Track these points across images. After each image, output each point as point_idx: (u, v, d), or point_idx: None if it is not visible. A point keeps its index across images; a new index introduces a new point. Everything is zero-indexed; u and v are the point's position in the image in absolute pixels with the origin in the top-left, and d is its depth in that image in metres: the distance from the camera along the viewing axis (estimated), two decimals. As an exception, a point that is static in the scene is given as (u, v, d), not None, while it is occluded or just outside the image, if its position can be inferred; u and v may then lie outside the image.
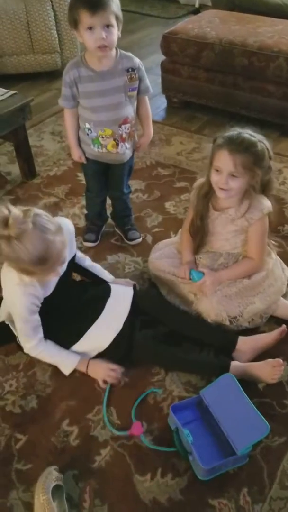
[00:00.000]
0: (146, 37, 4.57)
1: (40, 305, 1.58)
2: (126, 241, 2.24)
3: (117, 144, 1.89)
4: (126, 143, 1.91)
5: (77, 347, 1.67)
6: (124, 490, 1.39)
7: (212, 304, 1.74)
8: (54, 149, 2.95)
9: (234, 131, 1.65)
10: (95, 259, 2.14)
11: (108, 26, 1.64)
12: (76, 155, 1.98)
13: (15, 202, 2.52)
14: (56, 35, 3.52)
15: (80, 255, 1.84)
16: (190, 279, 1.79)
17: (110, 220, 2.32)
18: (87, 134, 1.89)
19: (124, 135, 1.88)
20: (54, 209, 2.47)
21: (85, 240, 2.23)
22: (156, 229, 2.32)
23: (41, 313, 1.60)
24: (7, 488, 1.40)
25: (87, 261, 1.88)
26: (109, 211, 2.30)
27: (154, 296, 1.92)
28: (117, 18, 1.66)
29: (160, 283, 1.95)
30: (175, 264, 1.90)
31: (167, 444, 1.47)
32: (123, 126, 1.86)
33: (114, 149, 1.90)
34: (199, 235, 1.83)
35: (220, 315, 1.73)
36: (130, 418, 1.55)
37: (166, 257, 1.95)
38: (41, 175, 2.70)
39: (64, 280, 1.65)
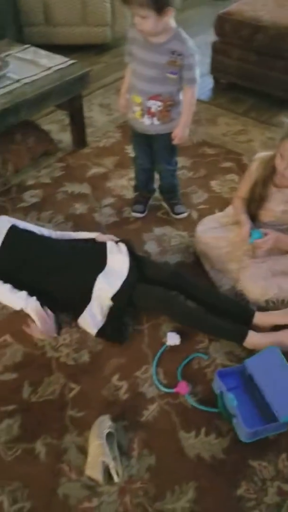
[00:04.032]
0: (194, 16, 4.55)
1: None
2: (172, 215, 2.30)
3: (143, 115, 1.91)
4: (154, 119, 1.91)
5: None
6: (170, 444, 1.48)
7: (257, 282, 1.79)
8: (103, 121, 3.00)
9: None
10: (142, 230, 2.24)
11: (140, 16, 1.63)
12: (121, 102, 2.02)
13: (65, 169, 2.60)
14: (110, 9, 3.54)
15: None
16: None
17: (158, 194, 2.38)
18: (128, 95, 1.94)
19: (152, 110, 1.88)
20: (102, 179, 2.54)
21: (133, 211, 2.30)
22: (202, 206, 2.37)
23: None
24: (61, 431, 1.50)
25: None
26: (157, 185, 2.37)
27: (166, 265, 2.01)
28: (156, 8, 1.59)
29: (205, 257, 2.02)
30: (219, 237, 1.96)
31: (211, 406, 1.56)
32: (152, 101, 1.86)
33: (140, 119, 1.93)
34: (254, 205, 1.88)
35: (266, 293, 1.78)
36: (176, 378, 1.64)
37: (212, 230, 2.01)
38: (91, 146, 2.77)
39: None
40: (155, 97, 1.84)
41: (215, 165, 2.65)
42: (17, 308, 1.79)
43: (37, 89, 2.25)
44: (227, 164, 2.66)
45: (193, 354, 1.71)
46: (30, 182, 2.51)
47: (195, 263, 2.06)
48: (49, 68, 2.40)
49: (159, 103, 1.85)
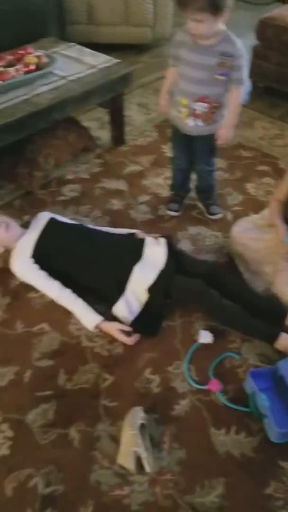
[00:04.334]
0: (232, 20, 4.53)
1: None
2: (207, 215, 2.33)
3: (188, 116, 1.93)
4: (199, 120, 1.94)
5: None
6: (200, 439, 1.50)
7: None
8: (140, 120, 3.05)
9: None
10: (176, 228, 2.27)
11: (196, 20, 1.65)
12: (161, 102, 2.04)
13: (103, 166, 2.65)
14: (152, 10, 3.58)
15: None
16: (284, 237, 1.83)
17: (193, 194, 2.40)
18: (174, 97, 1.97)
19: (197, 111, 1.91)
20: (139, 177, 2.58)
21: (168, 209, 2.33)
22: (236, 208, 2.39)
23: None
24: (95, 420, 1.54)
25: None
26: (193, 184, 2.39)
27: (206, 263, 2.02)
28: (213, 11, 1.61)
29: (239, 258, 2.03)
30: (255, 238, 1.97)
31: (242, 405, 1.58)
32: (199, 103, 1.88)
33: (185, 120, 1.96)
34: None
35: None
36: (208, 375, 1.66)
37: (248, 231, 2.03)
38: (128, 144, 2.81)
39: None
40: (201, 99, 1.86)
41: (251, 168, 2.66)
42: (51, 296, 1.84)
43: (82, 87, 2.30)
44: (263, 168, 2.67)
45: (225, 353, 1.74)
46: (69, 176, 2.57)
47: (229, 264, 2.07)
48: (94, 66, 2.45)
49: (205, 105, 1.88)
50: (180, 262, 1.89)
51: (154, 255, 1.86)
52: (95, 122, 2.98)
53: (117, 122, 2.70)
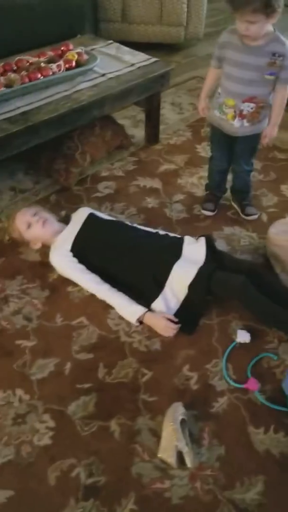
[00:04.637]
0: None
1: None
2: (242, 215, 2.33)
3: (235, 117, 1.95)
4: (245, 120, 1.95)
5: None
6: (239, 436, 1.52)
7: None
8: (174, 119, 3.06)
9: None
10: (212, 228, 2.28)
11: (248, 21, 1.66)
12: (201, 106, 2.08)
13: (137, 164, 2.67)
14: (186, 9, 3.59)
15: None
16: None
17: (227, 194, 2.41)
18: (216, 99, 1.99)
19: (244, 112, 1.92)
20: (173, 175, 2.60)
21: (204, 209, 2.34)
22: (271, 209, 2.39)
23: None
24: (135, 413, 1.56)
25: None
26: (228, 184, 2.40)
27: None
28: (267, 12, 1.62)
29: (276, 260, 2.04)
30: None
31: (280, 404, 1.58)
32: (246, 104, 1.90)
33: (231, 121, 1.97)
34: None
35: None
36: (246, 374, 1.67)
37: (285, 233, 2.03)
38: (162, 142, 2.83)
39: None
40: (249, 99, 1.88)
41: (286, 169, 2.66)
42: (89, 290, 1.87)
43: (121, 84, 2.32)
44: (299, 169, 2.66)
45: (262, 353, 1.74)
46: (104, 173, 2.60)
47: (264, 265, 2.08)
48: (133, 64, 2.47)
49: (253, 105, 1.89)
50: (220, 259, 1.90)
51: (194, 252, 1.88)
52: (129, 120, 3.00)
53: (153, 121, 2.72)
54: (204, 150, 2.74)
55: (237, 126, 1.97)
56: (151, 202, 2.42)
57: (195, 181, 2.56)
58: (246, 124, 1.96)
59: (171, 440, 1.45)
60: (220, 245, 2.18)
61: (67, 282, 1.96)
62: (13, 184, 2.51)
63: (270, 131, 1.97)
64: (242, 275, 1.78)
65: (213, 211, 2.34)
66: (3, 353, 1.73)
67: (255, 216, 2.32)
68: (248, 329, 1.80)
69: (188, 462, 1.42)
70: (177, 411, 1.51)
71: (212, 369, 1.70)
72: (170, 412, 1.52)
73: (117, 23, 3.64)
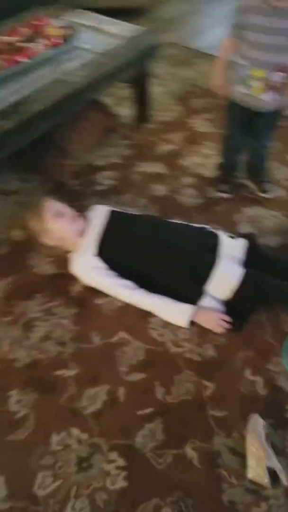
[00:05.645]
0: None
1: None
2: (259, 193, 2.18)
3: (265, 90, 1.76)
4: (275, 93, 1.77)
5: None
6: None
7: None
8: (158, 92, 2.82)
9: None
10: (231, 211, 2.12)
11: None
12: (218, 82, 1.84)
13: (133, 147, 2.44)
14: None
15: None
16: None
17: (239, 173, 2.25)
18: (239, 72, 1.77)
19: (276, 83, 1.75)
20: (175, 157, 2.39)
21: (220, 191, 2.17)
22: (287, 182, 2.26)
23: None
24: (208, 433, 1.42)
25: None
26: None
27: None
28: None
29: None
30: None
31: None
32: (278, 73, 1.72)
33: (260, 94, 1.78)
34: None
35: None
36: (312, 370, 1.57)
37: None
38: (153, 120, 2.60)
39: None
40: (281, 68, 1.68)
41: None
42: (124, 298, 1.69)
43: (114, 60, 2.06)
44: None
45: None
46: (100, 162, 2.35)
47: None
48: (121, 36, 2.19)
49: (284, 75, 1.70)
50: (263, 260, 1.75)
51: (233, 248, 1.72)
52: (111, 98, 2.72)
53: (142, 98, 2.47)
54: (201, 124, 2.55)
55: (266, 100, 1.78)
56: (160, 189, 2.22)
57: (200, 161, 2.37)
58: (277, 97, 1.77)
59: (260, 458, 1.32)
60: (246, 228, 2.03)
61: (94, 293, 1.75)
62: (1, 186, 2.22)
63: None
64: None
65: (230, 192, 2.17)
66: (44, 389, 1.52)
67: (274, 193, 2.17)
68: (301, 319, 1.69)
69: (284, 479, 1.31)
70: (258, 424, 1.39)
71: (274, 369, 1.57)
72: (251, 427, 1.39)
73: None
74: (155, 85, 2.88)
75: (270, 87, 1.73)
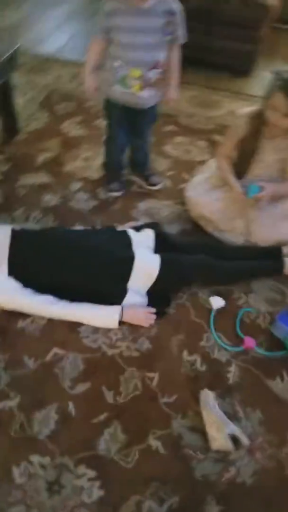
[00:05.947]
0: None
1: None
2: (147, 187, 2.28)
3: (143, 87, 1.83)
4: (153, 89, 1.85)
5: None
6: (264, 394, 1.56)
7: (270, 229, 1.92)
8: (20, 102, 2.73)
9: None
10: (127, 208, 2.18)
11: None
12: (90, 84, 1.85)
13: (10, 161, 2.35)
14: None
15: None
16: (245, 194, 1.88)
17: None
18: (115, 73, 1.80)
19: (152, 80, 1.83)
20: (56, 164, 2.37)
21: (110, 191, 2.21)
22: (170, 172, 2.39)
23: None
24: (166, 420, 1.46)
25: None
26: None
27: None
28: None
29: (205, 220, 2.05)
30: (219, 197, 2.01)
31: (280, 350, 1.67)
32: (153, 70, 1.80)
33: (139, 92, 1.84)
34: (245, 159, 1.94)
35: (281, 238, 1.92)
36: (239, 336, 1.70)
37: (207, 193, 2.05)
38: (23, 131, 2.53)
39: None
40: (155, 65, 1.76)
41: (159, 130, 2.62)
42: (47, 315, 1.65)
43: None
44: (170, 128, 2.68)
45: (240, 311, 1.79)
46: (-21, 182, 2.22)
47: (195, 229, 2.08)
48: (-23, 48, 2.09)
49: (158, 71, 1.78)
50: (171, 244, 1.84)
51: (144, 240, 1.78)
52: None
53: (8, 110, 2.39)
54: (73, 128, 2.56)
55: (145, 97, 1.85)
56: (50, 199, 2.18)
57: (82, 164, 2.38)
58: (153, 93, 1.85)
59: (219, 427, 1.41)
60: (145, 221, 2.09)
61: (14, 317, 1.67)
62: None
63: (173, 93, 1.90)
64: (202, 255, 1.78)
65: (120, 190, 2.22)
66: (-10, 426, 1.42)
67: (162, 184, 2.28)
68: (217, 294, 1.82)
69: (244, 440, 1.41)
70: (209, 397, 1.47)
71: (207, 344, 1.68)
72: (203, 402, 1.47)
73: None
74: (16, 95, 2.80)
75: (147, 84, 1.81)
